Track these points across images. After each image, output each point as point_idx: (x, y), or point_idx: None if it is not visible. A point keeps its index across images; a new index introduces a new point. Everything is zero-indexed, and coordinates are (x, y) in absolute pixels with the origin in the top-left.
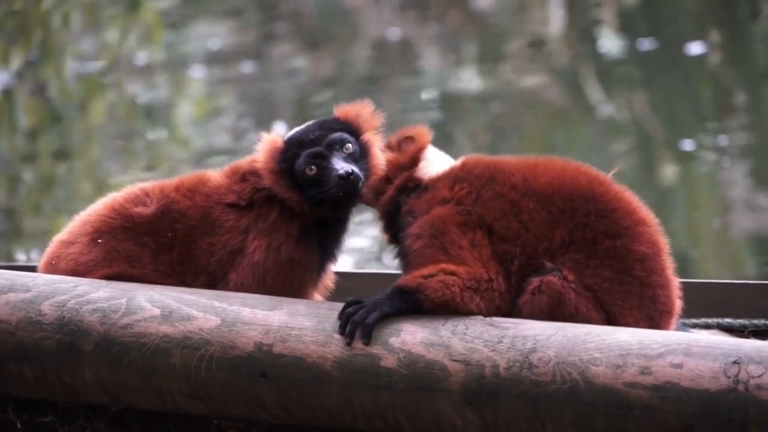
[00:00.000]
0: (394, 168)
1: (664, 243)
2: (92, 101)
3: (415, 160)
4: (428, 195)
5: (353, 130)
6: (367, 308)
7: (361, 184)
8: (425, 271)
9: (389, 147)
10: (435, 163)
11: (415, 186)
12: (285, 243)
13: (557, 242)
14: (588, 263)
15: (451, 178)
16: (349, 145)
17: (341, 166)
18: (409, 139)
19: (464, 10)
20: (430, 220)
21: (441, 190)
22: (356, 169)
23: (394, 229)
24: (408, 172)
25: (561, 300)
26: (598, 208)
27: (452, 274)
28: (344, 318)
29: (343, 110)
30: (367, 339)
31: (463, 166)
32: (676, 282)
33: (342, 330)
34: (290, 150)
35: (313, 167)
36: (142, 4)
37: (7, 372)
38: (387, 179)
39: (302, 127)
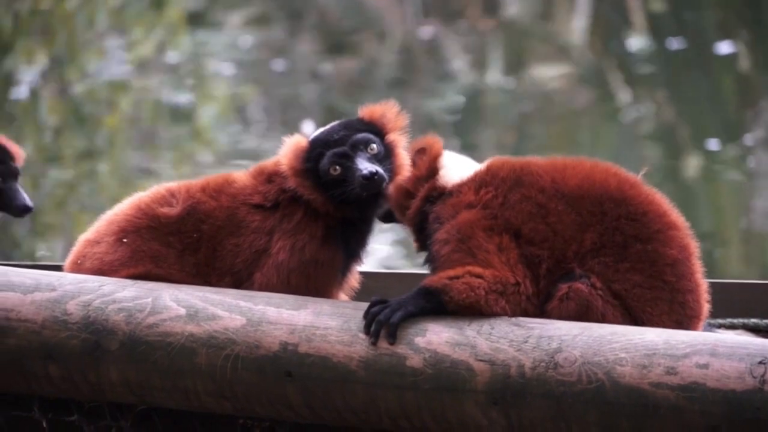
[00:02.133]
0: (414, 182)
1: (694, 247)
2: (117, 101)
3: (432, 170)
4: (453, 200)
5: (378, 130)
6: (392, 308)
7: (385, 184)
8: (451, 272)
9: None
10: (456, 168)
11: (440, 194)
12: (309, 243)
13: (587, 245)
14: (618, 267)
15: (476, 182)
16: (374, 145)
17: (365, 166)
18: (422, 151)
19: (490, 12)
20: (457, 224)
21: (466, 195)
22: (380, 170)
23: (423, 237)
24: (429, 182)
25: (588, 307)
26: (629, 211)
27: (478, 276)
28: (369, 317)
29: (368, 111)
30: (392, 338)
31: (488, 169)
32: (704, 286)
33: (367, 329)
34: (315, 150)
35: (337, 167)
36: (166, 3)
37: (32, 371)
38: (410, 194)
39: (327, 127)
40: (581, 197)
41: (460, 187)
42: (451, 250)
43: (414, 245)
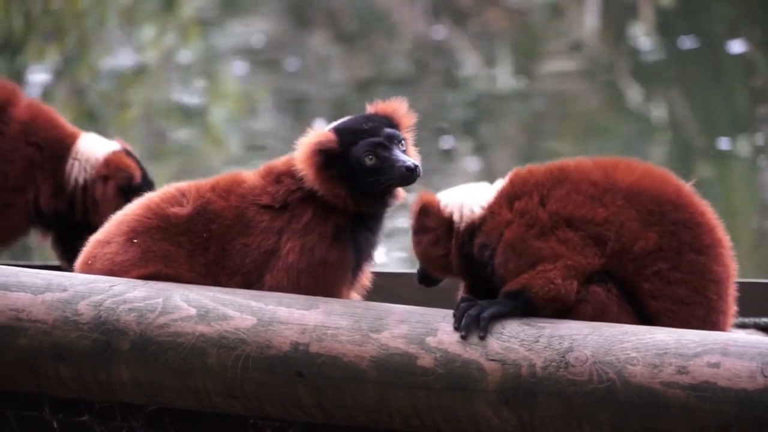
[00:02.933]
0: (439, 244)
1: (734, 269)
2: (128, 100)
3: (445, 221)
4: (491, 224)
5: (394, 126)
6: (482, 305)
7: (419, 177)
8: (526, 275)
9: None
10: (470, 199)
11: (472, 229)
12: (318, 244)
13: (651, 244)
14: (669, 276)
15: (505, 197)
16: (403, 141)
17: (405, 158)
18: (424, 212)
19: (500, 10)
20: (507, 244)
21: (502, 214)
22: (419, 164)
23: (476, 274)
24: (451, 233)
25: (604, 312)
26: (686, 218)
27: (551, 269)
28: (459, 312)
29: (381, 107)
30: (484, 332)
31: (512, 183)
32: (733, 308)
33: (458, 324)
34: (345, 137)
35: (372, 156)
36: (177, 2)
37: (43, 371)
38: (444, 256)
39: (346, 120)
40: (639, 194)
41: (491, 210)
42: (515, 267)
43: (464, 284)
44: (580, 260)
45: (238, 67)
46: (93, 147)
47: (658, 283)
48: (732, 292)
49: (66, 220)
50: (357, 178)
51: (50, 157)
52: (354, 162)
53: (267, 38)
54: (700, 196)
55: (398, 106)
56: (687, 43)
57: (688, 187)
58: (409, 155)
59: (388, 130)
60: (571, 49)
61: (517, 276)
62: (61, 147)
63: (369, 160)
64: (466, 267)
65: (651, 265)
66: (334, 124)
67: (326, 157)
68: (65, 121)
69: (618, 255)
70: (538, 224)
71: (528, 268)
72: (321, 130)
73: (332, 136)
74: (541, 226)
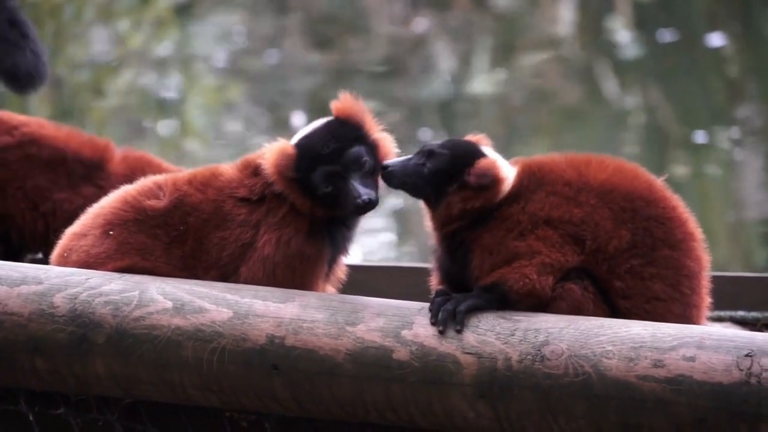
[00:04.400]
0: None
1: (707, 261)
2: (104, 93)
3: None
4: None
5: (360, 128)
6: (457, 299)
7: (377, 205)
8: (502, 270)
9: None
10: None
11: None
12: (295, 237)
13: (624, 242)
14: (643, 273)
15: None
16: (366, 159)
17: (361, 191)
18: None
19: (477, 6)
20: (484, 248)
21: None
22: (375, 194)
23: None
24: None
25: (579, 309)
26: (658, 213)
27: (527, 265)
28: (435, 307)
29: (342, 108)
30: (460, 326)
31: (519, 177)
32: (708, 302)
33: (434, 319)
34: (304, 161)
35: (329, 186)
36: None
37: (19, 364)
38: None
39: (312, 130)
40: (611, 192)
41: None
42: (491, 265)
43: (436, 279)
44: (558, 257)
45: (214, 61)
46: None
47: (631, 281)
48: (705, 286)
49: None
50: (318, 199)
51: None
52: (312, 188)
53: (243, 31)
54: (671, 191)
55: (356, 105)
56: (666, 36)
57: (659, 182)
58: (383, 149)
59: (350, 154)
60: (548, 43)
61: (492, 272)
62: None
63: (326, 188)
64: (448, 246)
65: (624, 263)
66: (300, 134)
67: (290, 175)
68: (162, 162)
69: (593, 253)
70: (518, 228)
71: (503, 264)
72: (285, 147)
73: (291, 161)
74: (521, 229)
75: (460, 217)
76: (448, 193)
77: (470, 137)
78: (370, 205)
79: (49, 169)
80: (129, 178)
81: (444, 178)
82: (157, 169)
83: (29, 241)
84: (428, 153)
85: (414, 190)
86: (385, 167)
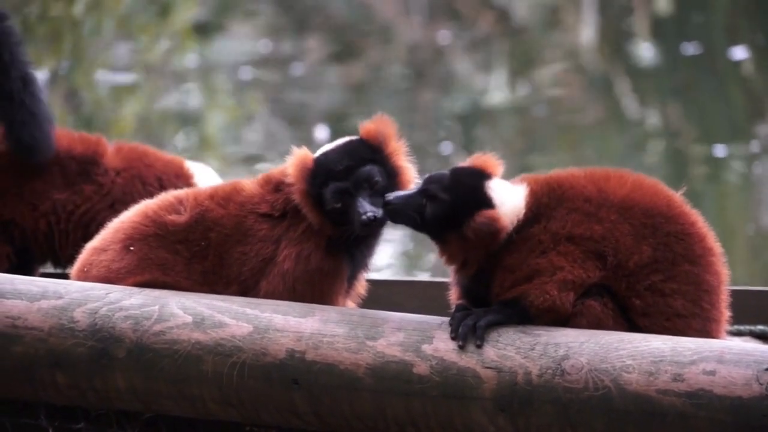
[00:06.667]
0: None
1: (726, 276)
2: (123, 108)
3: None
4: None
5: (381, 150)
6: (477, 314)
7: (385, 224)
8: (522, 287)
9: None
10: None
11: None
12: (314, 252)
13: (645, 258)
14: (664, 288)
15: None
16: (377, 178)
17: (366, 209)
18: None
19: (497, 19)
20: (506, 269)
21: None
22: (380, 213)
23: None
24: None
25: (599, 326)
26: (677, 229)
27: (548, 281)
28: (455, 322)
29: (367, 129)
30: (481, 341)
31: (533, 194)
32: (727, 316)
33: (454, 333)
34: (319, 176)
35: (339, 202)
36: (172, 11)
37: (39, 378)
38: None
39: (332, 147)
40: (631, 208)
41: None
42: (511, 283)
43: (456, 293)
44: (580, 273)
45: (234, 75)
46: (210, 177)
47: (651, 298)
48: (724, 300)
49: None
50: (329, 216)
51: (161, 189)
52: (324, 202)
53: (264, 46)
54: (690, 206)
55: (385, 126)
56: (689, 49)
57: (678, 197)
58: (403, 176)
59: (361, 172)
60: (568, 58)
61: (513, 288)
62: (168, 176)
63: (335, 204)
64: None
65: (645, 279)
66: (323, 149)
67: (306, 188)
68: (156, 151)
69: (614, 270)
70: (539, 247)
71: (524, 281)
72: (305, 157)
73: (309, 170)
74: (543, 248)
75: (463, 264)
76: (447, 240)
77: (479, 160)
78: (376, 222)
79: (42, 170)
80: (125, 171)
81: (444, 226)
82: (152, 160)
83: (34, 245)
84: (431, 196)
85: (415, 228)
86: (387, 202)
